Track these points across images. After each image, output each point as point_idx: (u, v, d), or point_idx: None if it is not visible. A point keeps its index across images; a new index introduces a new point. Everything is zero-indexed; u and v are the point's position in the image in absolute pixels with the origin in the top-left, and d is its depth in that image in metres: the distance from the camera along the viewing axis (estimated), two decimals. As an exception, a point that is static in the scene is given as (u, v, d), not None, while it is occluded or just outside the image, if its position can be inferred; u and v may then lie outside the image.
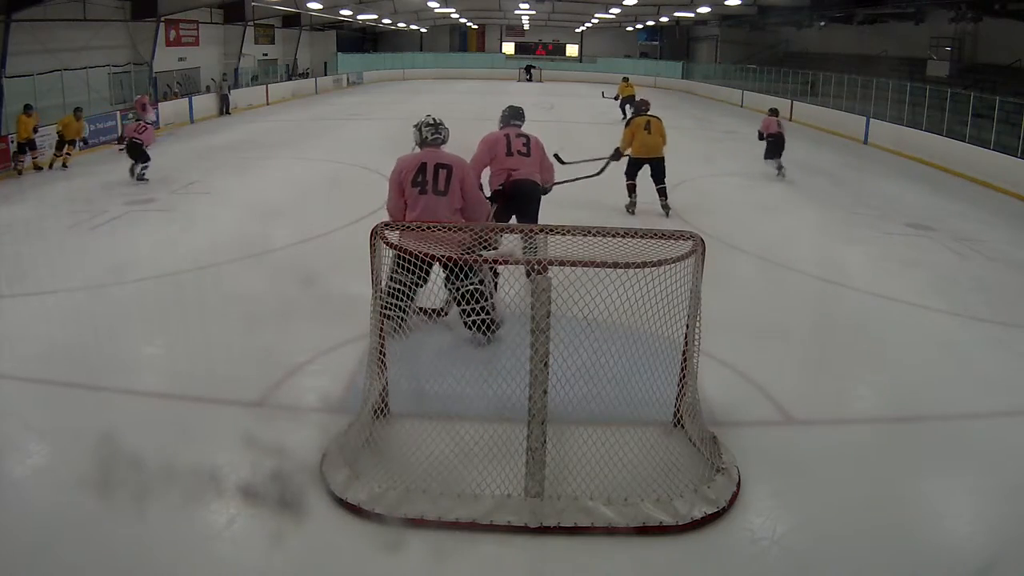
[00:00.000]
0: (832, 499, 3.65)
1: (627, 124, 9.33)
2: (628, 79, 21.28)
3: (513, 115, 6.30)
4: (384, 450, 3.79)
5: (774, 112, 12.62)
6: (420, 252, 3.69)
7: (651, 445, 3.73)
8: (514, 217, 5.97)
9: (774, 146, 12.14)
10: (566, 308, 3.43)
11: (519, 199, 5.93)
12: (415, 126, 5.03)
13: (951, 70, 19.72)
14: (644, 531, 3.30)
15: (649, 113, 9.13)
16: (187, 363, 4.97)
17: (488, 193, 5.87)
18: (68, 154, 12.50)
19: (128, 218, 8.94)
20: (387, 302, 3.97)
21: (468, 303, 4.16)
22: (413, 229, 4.02)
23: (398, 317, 4.09)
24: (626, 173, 9.18)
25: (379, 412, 3.96)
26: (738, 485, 3.60)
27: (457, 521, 3.31)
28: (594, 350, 3.65)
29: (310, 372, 4.83)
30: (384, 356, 3.92)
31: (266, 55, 28.94)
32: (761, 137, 12.39)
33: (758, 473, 3.74)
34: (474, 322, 4.79)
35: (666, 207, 9.01)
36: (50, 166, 12.47)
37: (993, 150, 12.94)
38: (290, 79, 29.41)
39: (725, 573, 3.21)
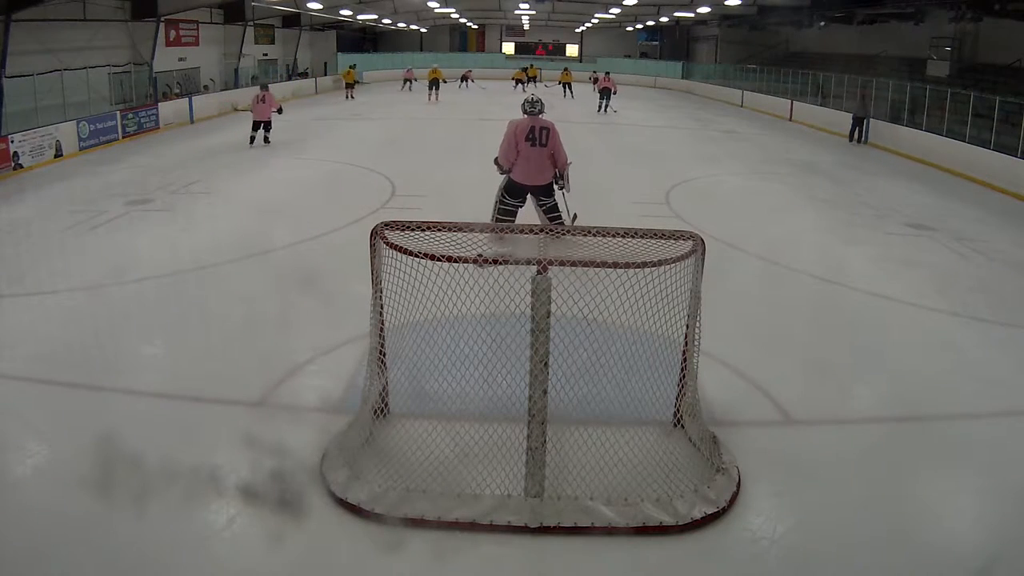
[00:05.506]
0: (832, 499, 3.66)
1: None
2: (568, 69, 29.83)
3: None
4: (384, 450, 3.79)
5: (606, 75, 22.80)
6: (422, 255, 3.68)
7: (651, 445, 3.73)
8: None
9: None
10: (566, 308, 3.43)
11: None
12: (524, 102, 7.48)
13: (951, 70, 19.70)
14: (644, 531, 3.30)
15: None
16: (187, 363, 4.98)
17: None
18: (351, 95, 26.16)
19: (128, 218, 8.94)
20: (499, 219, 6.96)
21: (549, 213, 7.21)
22: (413, 230, 4.02)
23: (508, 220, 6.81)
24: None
25: (379, 412, 3.96)
26: (738, 485, 3.60)
27: (457, 521, 3.31)
28: (594, 350, 3.66)
29: (310, 372, 4.84)
30: (384, 356, 3.92)
31: (266, 55, 28.90)
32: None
33: (758, 473, 3.74)
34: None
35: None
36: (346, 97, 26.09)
37: (993, 150, 12.93)
38: (290, 79, 29.41)
39: (725, 573, 3.21)
